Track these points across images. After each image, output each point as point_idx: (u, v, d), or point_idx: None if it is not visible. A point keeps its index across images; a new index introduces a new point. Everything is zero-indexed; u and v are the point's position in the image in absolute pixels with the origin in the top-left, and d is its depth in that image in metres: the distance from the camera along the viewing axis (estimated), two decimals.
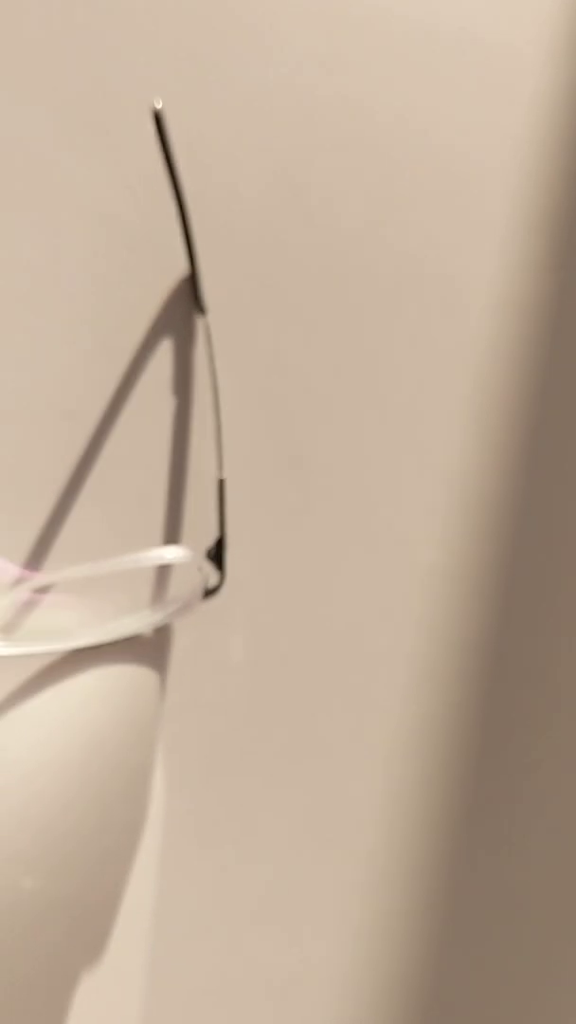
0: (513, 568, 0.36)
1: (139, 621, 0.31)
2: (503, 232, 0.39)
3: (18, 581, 0.32)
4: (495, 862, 0.33)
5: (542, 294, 0.39)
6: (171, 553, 0.30)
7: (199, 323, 0.36)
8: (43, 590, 0.31)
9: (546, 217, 0.40)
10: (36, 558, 0.32)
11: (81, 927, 0.29)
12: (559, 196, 0.40)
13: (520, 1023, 0.32)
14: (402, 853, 0.32)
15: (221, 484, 0.33)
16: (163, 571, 0.33)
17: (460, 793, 0.33)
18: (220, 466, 0.33)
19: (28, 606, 0.30)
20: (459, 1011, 0.32)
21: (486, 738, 0.34)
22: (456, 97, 0.41)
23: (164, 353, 0.36)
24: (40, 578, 0.29)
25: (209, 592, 0.31)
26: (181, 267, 0.36)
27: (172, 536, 0.33)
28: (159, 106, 0.33)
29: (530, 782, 0.34)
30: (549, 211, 0.40)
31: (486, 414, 0.37)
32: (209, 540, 0.32)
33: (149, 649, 0.32)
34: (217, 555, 0.31)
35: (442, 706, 0.33)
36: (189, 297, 0.36)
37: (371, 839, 0.31)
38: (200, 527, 0.33)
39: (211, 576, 0.31)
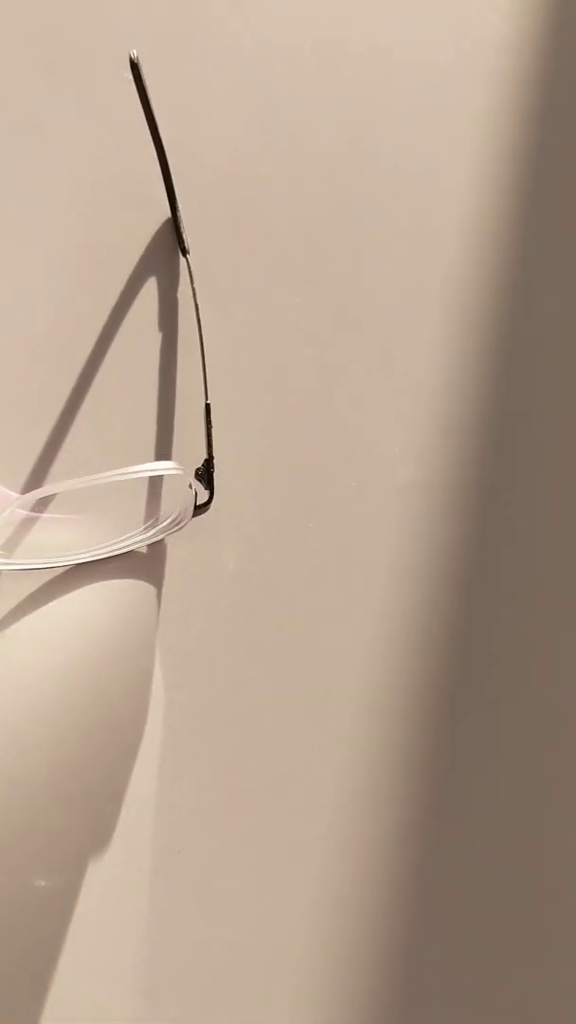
0: (489, 485, 0.38)
1: (135, 537, 0.33)
2: (474, 160, 0.41)
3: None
4: (476, 755, 0.35)
5: (512, 235, 0.41)
6: (162, 466, 0.31)
7: (182, 262, 0.38)
8: (41, 508, 0.32)
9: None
10: (33, 484, 0.34)
11: (88, 814, 0.31)
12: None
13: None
14: (387, 745, 0.33)
15: (208, 408, 0.34)
16: (155, 492, 0.34)
17: (439, 690, 0.35)
18: (206, 392, 0.35)
19: (27, 524, 0.32)
20: (437, 899, 0.34)
21: (466, 637, 0.36)
22: (424, 22, 0.43)
23: (149, 291, 0.37)
24: (38, 491, 0.31)
25: (199, 508, 0.33)
26: (164, 210, 0.38)
27: (163, 456, 0.35)
28: (135, 55, 0.35)
29: (509, 672, 0.36)
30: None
31: (460, 333, 0.39)
32: (199, 460, 0.34)
33: (145, 563, 0.34)
34: (206, 473, 0.33)
35: (422, 609, 0.35)
36: (172, 238, 0.38)
37: (357, 731, 0.33)
38: (190, 451, 0.35)
39: (200, 493, 0.33)
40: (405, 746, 0.34)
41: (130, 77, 0.35)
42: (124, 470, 0.31)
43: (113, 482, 0.31)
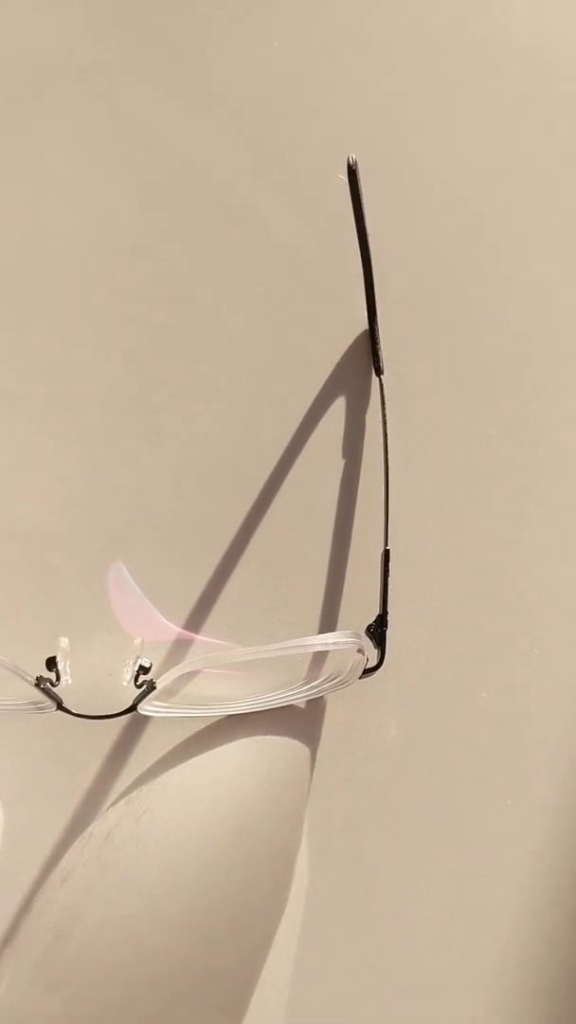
0: None
1: (293, 693, 0.31)
2: None
3: (178, 640, 0.32)
4: None
5: None
6: (336, 639, 0.29)
7: (374, 382, 0.35)
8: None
9: None
10: (195, 618, 0.32)
11: (220, 997, 0.29)
12: None
13: None
14: (549, 956, 0.31)
15: (386, 556, 0.32)
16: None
17: None
18: (386, 536, 0.32)
19: (186, 674, 0.30)
20: None
21: None
22: None
23: (337, 409, 0.35)
24: (203, 661, 0.29)
25: (367, 671, 0.31)
26: (360, 321, 0.35)
27: (332, 601, 0.33)
28: (353, 159, 0.32)
29: None
30: None
31: None
32: (369, 609, 0.31)
33: (302, 720, 0.32)
34: (379, 632, 0.31)
35: None
36: (366, 354, 0.35)
37: (519, 932, 0.30)
38: (360, 596, 0.32)
39: (371, 656, 0.30)
40: (571, 959, 0.31)
41: (344, 179, 0.33)
42: (297, 642, 0.29)
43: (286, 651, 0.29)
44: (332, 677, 0.31)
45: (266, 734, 0.31)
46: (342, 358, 0.35)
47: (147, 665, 0.29)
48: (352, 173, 0.32)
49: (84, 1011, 0.29)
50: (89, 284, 0.36)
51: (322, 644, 0.29)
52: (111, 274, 0.36)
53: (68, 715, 0.29)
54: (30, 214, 0.37)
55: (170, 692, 0.30)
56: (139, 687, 0.29)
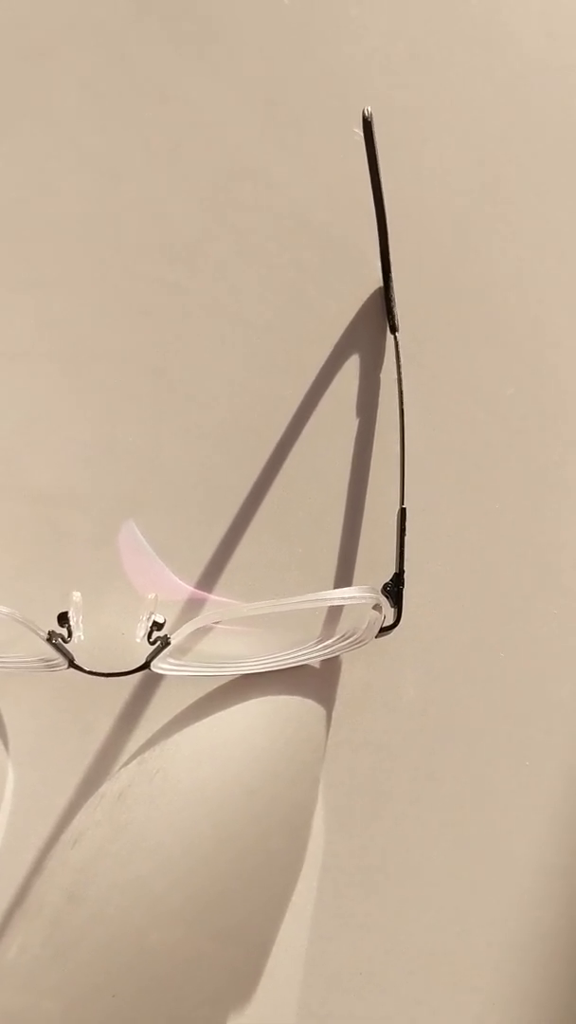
0: None
1: (308, 652, 0.30)
2: None
3: (191, 599, 0.31)
4: None
5: None
6: (352, 593, 0.28)
7: (389, 340, 0.34)
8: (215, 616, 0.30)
9: None
10: (207, 578, 0.32)
11: (234, 954, 0.28)
12: None
13: None
14: (569, 913, 0.30)
15: (402, 514, 0.31)
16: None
17: None
18: (402, 494, 0.32)
19: (200, 631, 0.30)
20: None
21: None
22: None
23: (351, 368, 0.34)
24: (218, 615, 0.28)
25: (384, 630, 0.30)
26: (374, 279, 0.35)
27: (347, 561, 0.32)
28: (368, 112, 0.32)
29: None
30: None
31: None
32: (385, 568, 0.31)
33: (317, 680, 0.31)
34: (395, 591, 0.30)
35: None
36: (380, 311, 0.35)
37: (535, 894, 0.30)
38: (377, 556, 0.32)
39: (386, 610, 0.30)
40: None
41: (359, 134, 0.32)
42: (314, 596, 0.28)
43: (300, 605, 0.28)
44: (348, 636, 0.30)
45: (280, 694, 0.31)
46: (356, 316, 0.35)
47: (161, 621, 0.28)
48: (368, 126, 0.32)
49: (97, 974, 0.28)
50: (102, 243, 0.35)
51: (340, 598, 0.28)
52: (123, 233, 0.35)
53: (79, 673, 0.29)
54: (42, 172, 0.36)
55: (183, 650, 0.30)
56: (153, 643, 0.28)
